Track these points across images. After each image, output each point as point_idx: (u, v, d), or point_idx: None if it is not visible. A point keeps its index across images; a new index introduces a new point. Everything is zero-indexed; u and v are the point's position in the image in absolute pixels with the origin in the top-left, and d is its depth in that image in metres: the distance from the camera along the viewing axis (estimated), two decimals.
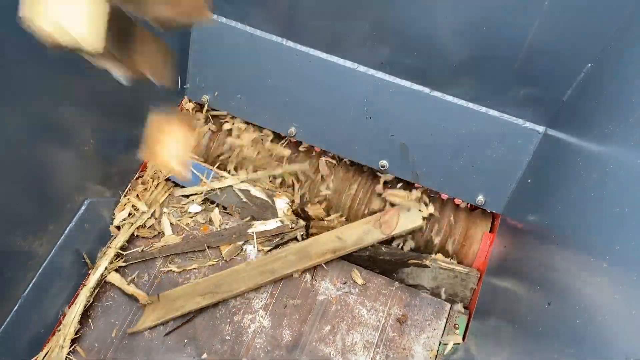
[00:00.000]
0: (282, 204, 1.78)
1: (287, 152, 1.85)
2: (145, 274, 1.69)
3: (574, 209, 1.05)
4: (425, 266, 1.65)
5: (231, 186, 1.79)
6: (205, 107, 1.87)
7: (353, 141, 1.74)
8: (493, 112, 1.57)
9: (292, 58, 1.68)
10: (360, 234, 1.71)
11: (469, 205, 1.78)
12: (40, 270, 1.42)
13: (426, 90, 1.60)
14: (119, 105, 1.57)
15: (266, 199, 1.76)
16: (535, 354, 0.95)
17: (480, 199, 1.67)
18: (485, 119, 1.58)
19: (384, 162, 1.73)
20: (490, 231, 1.72)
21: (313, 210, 1.79)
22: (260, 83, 1.75)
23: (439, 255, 1.71)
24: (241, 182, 1.79)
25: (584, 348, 0.77)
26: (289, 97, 1.75)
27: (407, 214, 1.70)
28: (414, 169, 1.70)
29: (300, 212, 1.83)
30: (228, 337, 1.60)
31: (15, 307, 1.38)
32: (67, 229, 1.48)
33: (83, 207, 1.52)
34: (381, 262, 1.70)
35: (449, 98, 1.59)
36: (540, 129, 1.53)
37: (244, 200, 1.77)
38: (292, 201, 1.81)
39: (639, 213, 0.77)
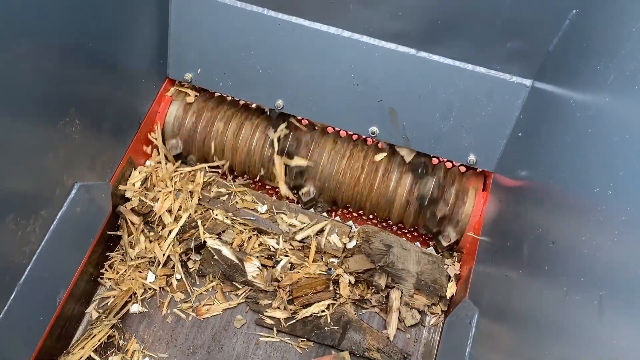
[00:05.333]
0: (252, 267, 1.76)
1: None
2: None
3: (572, 150, 1.06)
4: None
5: (205, 242, 1.77)
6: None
7: (342, 110, 1.73)
8: (480, 69, 1.57)
9: (275, 28, 1.66)
10: None
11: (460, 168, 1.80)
12: (35, 257, 1.39)
13: (412, 51, 1.59)
14: (102, 87, 1.54)
15: (236, 261, 1.75)
16: (544, 292, 0.96)
17: (471, 158, 1.67)
18: (473, 77, 1.58)
19: (374, 129, 1.72)
20: (483, 190, 1.74)
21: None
22: (244, 57, 1.73)
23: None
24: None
25: (596, 273, 0.78)
26: (275, 69, 1.73)
27: None
28: (404, 133, 1.70)
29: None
30: None
31: (12, 296, 1.35)
32: (59, 213, 1.45)
33: (73, 191, 1.49)
34: None
35: (435, 58, 1.58)
36: (528, 82, 1.53)
37: (216, 258, 1.75)
38: (265, 265, 1.79)
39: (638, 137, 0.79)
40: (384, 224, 1.95)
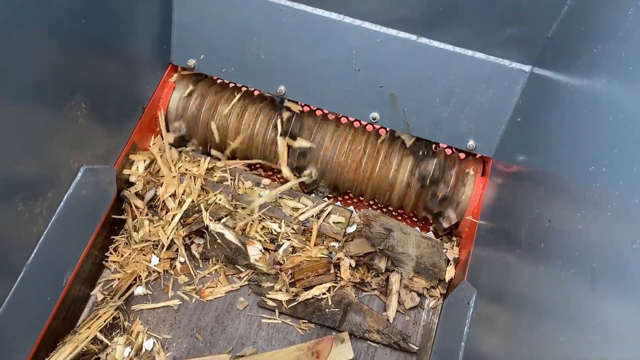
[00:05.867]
0: (254, 251, 1.78)
1: None
2: None
3: (569, 132, 1.08)
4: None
5: (207, 227, 1.79)
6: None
7: (343, 96, 1.75)
8: (480, 55, 1.59)
9: (277, 14, 1.68)
10: None
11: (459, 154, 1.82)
12: (42, 238, 1.42)
13: (413, 37, 1.61)
14: (107, 71, 1.56)
15: (239, 245, 1.77)
16: (540, 268, 0.99)
17: (471, 143, 1.70)
18: (472, 63, 1.60)
19: (375, 115, 1.75)
20: (482, 175, 1.76)
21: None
22: (247, 43, 1.75)
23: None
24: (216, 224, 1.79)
25: (589, 247, 0.81)
26: (277, 55, 1.75)
27: (340, 347, 1.69)
28: (405, 119, 1.73)
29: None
30: None
31: (21, 275, 1.38)
32: (66, 196, 1.48)
33: (79, 174, 1.51)
34: None
35: (436, 44, 1.60)
36: (527, 68, 1.56)
37: (219, 241, 1.78)
38: (267, 249, 1.81)
39: (635, 117, 0.81)
40: (385, 209, 1.98)
